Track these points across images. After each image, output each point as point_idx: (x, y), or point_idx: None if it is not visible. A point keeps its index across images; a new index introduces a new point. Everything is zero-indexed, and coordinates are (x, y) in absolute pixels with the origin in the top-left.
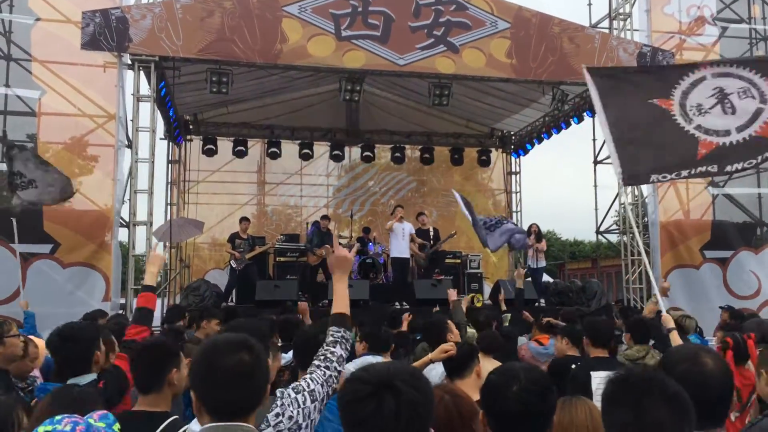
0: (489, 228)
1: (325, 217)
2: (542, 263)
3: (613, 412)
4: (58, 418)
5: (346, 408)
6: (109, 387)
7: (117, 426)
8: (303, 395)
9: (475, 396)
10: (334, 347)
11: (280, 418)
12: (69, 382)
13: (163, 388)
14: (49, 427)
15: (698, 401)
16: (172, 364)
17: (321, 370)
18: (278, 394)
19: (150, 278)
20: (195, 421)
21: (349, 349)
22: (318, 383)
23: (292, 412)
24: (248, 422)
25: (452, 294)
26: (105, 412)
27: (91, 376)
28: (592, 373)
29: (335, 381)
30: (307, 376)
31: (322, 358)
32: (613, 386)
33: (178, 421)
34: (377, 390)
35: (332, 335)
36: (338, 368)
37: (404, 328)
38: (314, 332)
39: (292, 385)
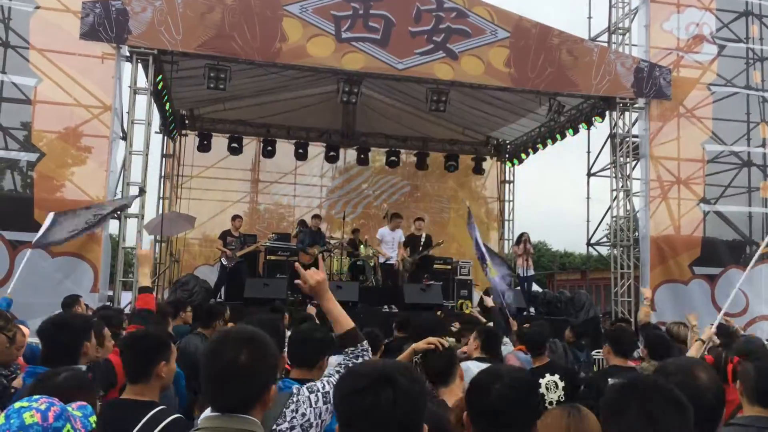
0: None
1: (316, 217)
2: (531, 272)
3: (621, 418)
4: (36, 396)
5: (343, 401)
6: (95, 380)
7: (93, 418)
8: (316, 395)
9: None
10: (356, 360)
11: (294, 414)
12: None
13: (151, 379)
14: (25, 404)
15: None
16: (161, 356)
17: (339, 375)
18: (294, 391)
19: (144, 279)
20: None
21: (370, 357)
22: (333, 386)
23: (305, 410)
24: (251, 416)
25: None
26: (83, 403)
27: (80, 368)
28: (610, 380)
29: None
30: (324, 378)
31: (343, 366)
32: (622, 392)
33: (165, 410)
34: (376, 382)
35: (352, 353)
36: None
37: None
38: (310, 329)
39: (308, 384)
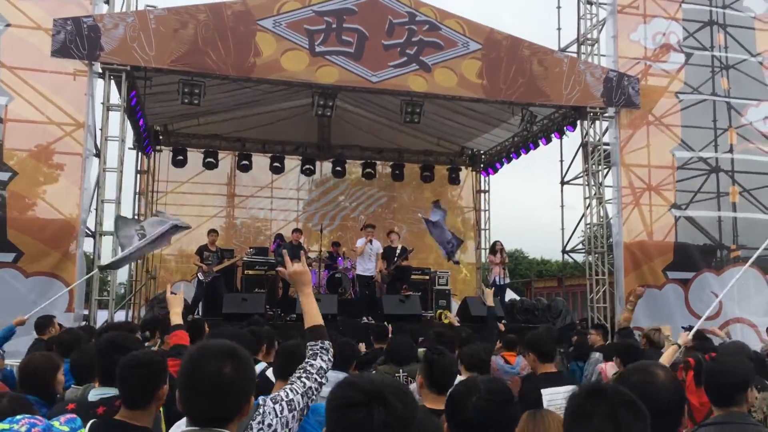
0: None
1: (296, 230)
2: (507, 280)
3: (586, 425)
4: (18, 417)
5: (334, 412)
6: None
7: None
8: (281, 405)
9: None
10: (314, 360)
11: (261, 425)
12: (95, 391)
13: (151, 404)
14: (6, 426)
15: (650, 411)
16: (162, 381)
17: (301, 381)
18: (260, 402)
19: (176, 318)
20: (177, 423)
21: (330, 359)
22: (297, 393)
23: (271, 420)
24: (228, 429)
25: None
26: (74, 416)
27: (114, 391)
28: (542, 390)
29: (315, 393)
30: (287, 386)
31: (302, 370)
32: (583, 400)
33: None
34: (369, 399)
35: (310, 349)
36: (318, 380)
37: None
38: (296, 344)
39: (271, 395)
